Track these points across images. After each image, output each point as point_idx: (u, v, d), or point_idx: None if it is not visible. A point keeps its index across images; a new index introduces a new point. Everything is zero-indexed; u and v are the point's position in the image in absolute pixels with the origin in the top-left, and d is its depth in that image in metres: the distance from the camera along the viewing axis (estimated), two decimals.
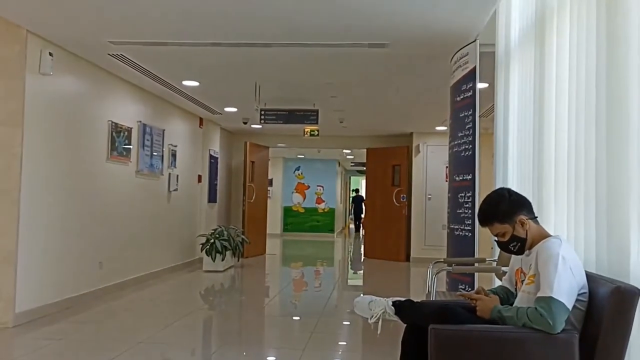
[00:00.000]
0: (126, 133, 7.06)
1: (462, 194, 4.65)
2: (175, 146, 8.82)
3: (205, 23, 4.79)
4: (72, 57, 5.77)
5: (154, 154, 7.96)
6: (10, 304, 4.84)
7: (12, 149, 4.93)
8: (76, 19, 4.77)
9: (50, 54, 5.26)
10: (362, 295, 2.83)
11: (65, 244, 5.73)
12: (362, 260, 12.30)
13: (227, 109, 9.25)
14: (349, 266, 11.98)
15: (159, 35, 5.17)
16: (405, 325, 2.65)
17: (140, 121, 7.48)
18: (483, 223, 2.53)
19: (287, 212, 18.62)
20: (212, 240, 8.91)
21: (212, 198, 10.59)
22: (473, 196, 4.45)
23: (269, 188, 13.32)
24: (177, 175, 8.88)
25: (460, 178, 4.72)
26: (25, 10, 4.58)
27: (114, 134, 6.74)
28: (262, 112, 7.93)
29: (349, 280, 9.84)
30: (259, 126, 10.26)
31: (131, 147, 7.21)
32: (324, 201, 18.82)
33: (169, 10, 4.50)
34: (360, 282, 9.71)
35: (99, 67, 6.33)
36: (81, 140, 6.05)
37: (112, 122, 6.69)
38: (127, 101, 7.16)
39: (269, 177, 13.38)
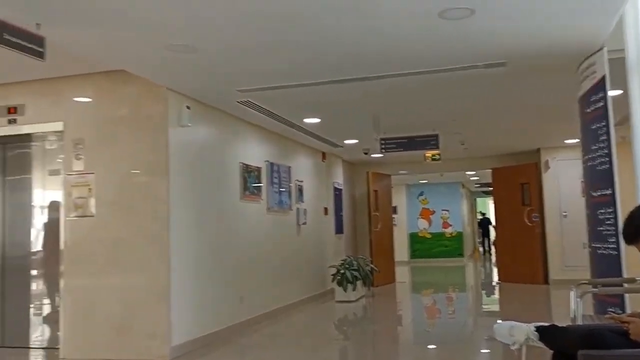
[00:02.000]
0: (256, 173, 7.50)
1: (602, 210, 4.38)
2: (301, 181, 9.18)
3: (324, 64, 5.03)
4: (205, 107, 6.29)
5: (282, 190, 8.35)
6: (167, 339, 5.29)
7: (160, 196, 5.44)
8: (210, 75, 5.25)
9: (188, 107, 5.79)
10: (500, 321, 2.77)
11: (209, 281, 6.16)
12: (495, 284, 11.83)
13: (348, 142, 9.48)
14: (483, 291, 11.56)
15: (282, 79, 5.50)
16: (552, 352, 2.55)
17: (267, 160, 7.91)
18: (629, 241, 2.40)
19: (414, 238, 18.44)
20: (342, 271, 9.07)
21: (338, 229, 10.81)
22: (615, 212, 4.18)
23: (393, 215, 13.33)
24: (305, 209, 9.21)
25: (599, 193, 4.45)
26: (166, 72, 5.10)
27: (245, 174, 7.19)
28: (382, 142, 8.04)
29: (483, 306, 9.51)
30: (380, 155, 10.37)
31: (261, 185, 7.64)
32: (450, 225, 18.41)
33: (290, 58, 4.80)
34: (496, 308, 9.34)
35: (229, 114, 6.84)
36: (217, 182, 6.53)
37: (243, 163, 7.15)
38: (255, 143, 7.62)
39: (393, 205, 13.39)
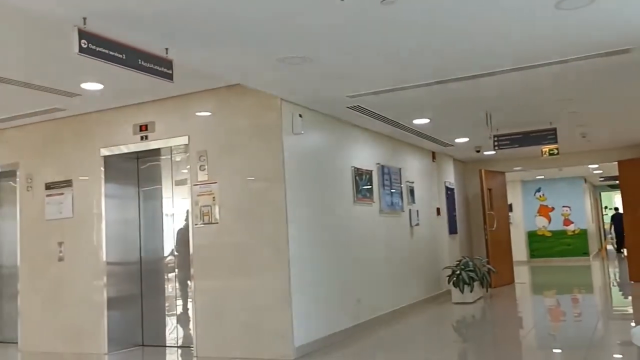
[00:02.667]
0: (367, 176, 7.59)
1: None
2: (412, 182, 9.14)
3: (433, 65, 5.01)
4: (317, 115, 6.48)
5: (393, 191, 8.37)
6: (290, 339, 5.52)
7: (277, 202, 5.69)
8: (321, 83, 5.41)
9: (300, 116, 6.00)
10: (634, 324, 2.62)
11: (328, 283, 6.33)
12: (628, 284, 11.01)
13: (458, 140, 9.31)
14: (614, 292, 10.81)
15: (391, 82, 5.55)
16: None
17: (378, 163, 7.97)
18: None
19: (532, 237, 17.63)
20: (458, 272, 8.91)
21: (452, 229, 10.62)
22: None
23: (509, 214, 12.85)
24: (417, 211, 9.16)
25: None
26: (280, 83, 5.34)
27: (357, 178, 7.30)
28: (496, 138, 7.81)
29: (615, 308, 8.90)
30: (493, 152, 10.08)
31: (373, 188, 7.71)
32: (572, 222, 17.39)
33: (400, 62, 4.84)
34: (630, 310, 8.70)
35: (339, 119, 6.99)
36: (330, 187, 6.69)
37: (355, 167, 7.26)
38: (365, 146, 7.72)
39: (509, 203, 12.91)
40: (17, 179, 7.13)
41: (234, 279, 5.79)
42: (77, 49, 3.29)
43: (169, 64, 4.04)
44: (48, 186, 6.87)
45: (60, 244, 6.74)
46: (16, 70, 5.02)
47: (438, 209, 10.25)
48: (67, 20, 3.47)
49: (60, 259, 6.73)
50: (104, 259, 6.44)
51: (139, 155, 6.79)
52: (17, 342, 6.95)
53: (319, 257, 6.22)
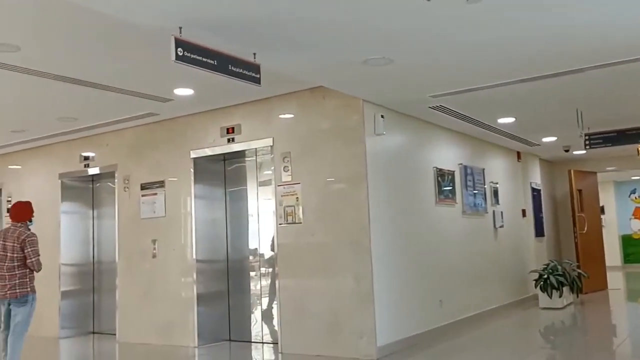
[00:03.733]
0: (450, 176, 7.48)
1: None
2: (496, 183, 8.91)
3: (519, 62, 4.88)
4: (398, 115, 6.47)
5: (476, 192, 8.19)
6: (372, 339, 5.54)
7: (360, 203, 5.73)
8: (403, 84, 5.42)
9: (382, 117, 6.02)
10: None
11: (410, 284, 6.30)
12: None
13: (546, 139, 8.97)
14: None
15: (474, 81, 5.46)
16: None
17: (461, 164, 7.83)
18: None
19: (627, 241, 16.62)
20: (545, 276, 8.58)
21: (539, 232, 10.24)
22: None
23: (601, 216, 12.20)
24: (501, 212, 8.91)
25: None
26: (362, 85, 5.39)
27: (439, 178, 7.21)
28: (587, 137, 7.47)
29: None
30: (583, 152, 9.64)
31: (455, 189, 7.59)
32: None
33: (485, 59, 4.76)
34: None
35: (421, 120, 6.94)
36: (412, 187, 6.66)
37: (437, 167, 7.18)
38: (447, 146, 7.61)
39: (600, 204, 12.26)
40: (115, 180, 7.61)
41: (316, 277, 5.90)
42: (174, 57, 3.49)
43: (256, 68, 4.19)
44: (143, 187, 7.28)
45: (153, 241, 7.12)
46: (114, 79, 5.37)
47: (523, 211, 9.92)
48: (164, 30, 3.68)
49: (154, 256, 7.11)
50: (194, 256, 6.74)
51: (225, 157, 7.06)
52: (115, 334, 7.41)
53: (401, 257, 6.21)
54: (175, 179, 7.02)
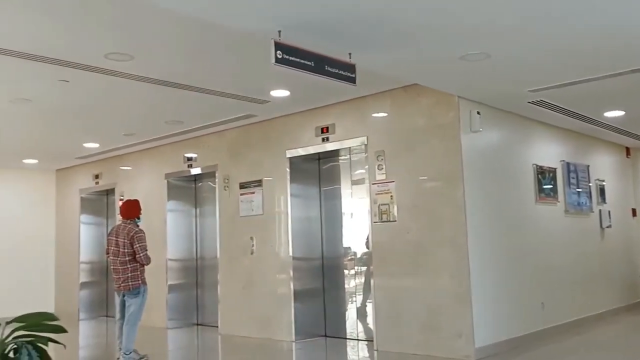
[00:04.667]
0: (551, 174, 7.17)
1: None
2: (603, 181, 8.42)
3: (626, 52, 4.60)
4: (495, 111, 6.30)
5: (580, 190, 7.78)
6: (470, 340, 5.44)
7: (456, 201, 5.64)
8: (500, 79, 5.27)
9: (478, 113, 5.88)
10: None
11: (509, 284, 6.12)
12: None
13: None
14: None
15: (576, 74, 5.20)
16: None
17: (563, 160, 7.48)
18: None
19: None
20: None
21: None
22: None
23: None
24: (609, 211, 8.41)
25: None
26: (457, 81, 5.30)
27: (539, 176, 6.93)
28: None
29: None
30: None
31: (557, 187, 7.26)
32: None
33: (589, 50, 4.53)
34: None
35: (520, 115, 6.70)
36: (510, 185, 6.45)
37: (537, 165, 6.90)
38: (548, 143, 7.30)
39: None
40: (216, 180, 7.98)
41: (412, 276, 5.87)
42: (274, 60, 3.63)
43: (352, 68, 4.25)
44: (242, 186, 7.58)
45: (252, 238, 7.39)
46: (216, 83, 5.64)
47: (634, 210, 9.29)
48: (263, 34, 3.83)
49: (252, 253, 7.37)
50: (290, 254, 6.92)
51: (320, 156, 7.19)
52: (217, 326, 7.77)
53: (499, 256, 6.04)
54: (272, 178, 7.25)
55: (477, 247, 5.65)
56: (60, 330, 3.01)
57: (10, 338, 2.82)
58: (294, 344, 6.72)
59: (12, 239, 10.21)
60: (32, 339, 2.90)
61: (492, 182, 6.13)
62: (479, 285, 5.60)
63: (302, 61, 3.84)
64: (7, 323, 2.84)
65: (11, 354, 2.84)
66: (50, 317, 3.03)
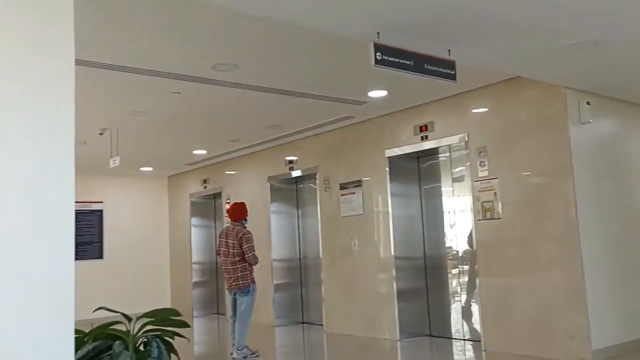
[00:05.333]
0: None
1: None
2: None
3: None
4: (606, 100, 5.96)
5: None
6: (586, 341, 5.18)
7: (565, 196, 5.40)
8: (611, 67, 5.00)
9: (588, 103, 5.60)
10: None
11: (627, 283, 5.76)
12: None
13: None
14: None
15: None
16: None
17: None
18: None
19: None
20: None
21: None
22: None
23: None
24: None
25: None
26: (564, 71, 5.08)
27: None
28: None
29: None
30: None
31: None
32: None
33: None
34: None
35: (634, 103, 6.29)
36: (625, 179, 6.08)
37: None
38: None
39: None
40: (317, 181, 8.16)
41: (519, 274, 5.69)
42: (373, 62, 3.68)
43: (451, 64, 4.21)
44: (342, 186, 7.70)
45: (353, 238, 7.49)
46: (315, 86, 5.79)
47: None
48: (362, 37, 3.89)
49: (354, 252, 7.47)
50: (392, 253, 6.94)
51: (419, 155, 7.14)
52: (322, 324, 7.95)
53: (615, 252, 5.71)
54: (372, 178, 7.30)
55: (589, 243, 5.38)
56: (184, 325, 3.26)
57: (140, 332, 3.09)
58: (398, 343, 6.73)
59: (131, 242, 11.01)
60: (160, 333, 3.16)
61: (604, 175, 5.81)
62: (594, 282, 5.32)
63: (402, 61, 3.87)
64: (138, 318, 3.12)
65: (141, 347, 3.11)
66: (175, 312, 3.28)
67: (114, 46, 4.44)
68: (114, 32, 4.18)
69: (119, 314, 3.12)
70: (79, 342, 2.80)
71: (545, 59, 4.73)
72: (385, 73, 4.02)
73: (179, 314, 3.26)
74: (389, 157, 7.08)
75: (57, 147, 2.24)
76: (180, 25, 4.09)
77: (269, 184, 9.00)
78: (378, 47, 3.72)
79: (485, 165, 6.08)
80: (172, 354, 3.14)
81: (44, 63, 2.24)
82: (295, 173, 8.60)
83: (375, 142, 7.26)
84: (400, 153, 7.00)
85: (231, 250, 6.31)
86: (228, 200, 9.74)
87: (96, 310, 3.43)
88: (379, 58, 3.71)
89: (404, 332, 6.82)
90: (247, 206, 6.71)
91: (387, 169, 7.08)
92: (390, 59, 3.78)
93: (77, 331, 2.46)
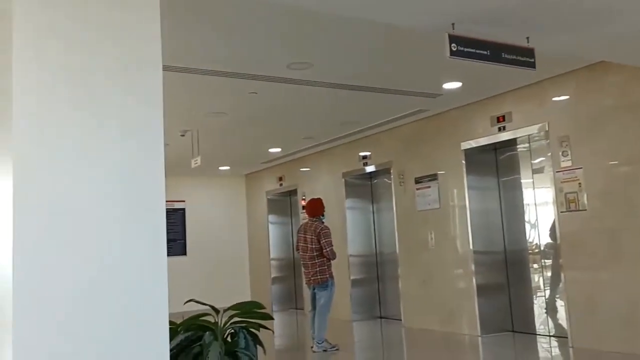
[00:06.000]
0: None
1: None
2: None
3: None
4: None
5: None
6: None
7: None
8: None
9: None
10: None
11: None
12: None
13: None
14: None
15: None
16: None
17: None
18: None
19: None
20: None
21: None
22: None
23: None
24: None
25: None
26: None
27: None
28: None
29: None
30: None
31: None
32: None
33: None
34: None
35: None
36: None
37: None
38: None
39: None
40: (391, 176, 8.14)
41: (608, 268, 5.44)
42: (448, 53, 3.64)
43: (530, 52, 4.08)
44: (417, 180, 7.64)
45: (429, 232, 7.41)
46: (388, 81, 5.78)
47: None
48: (436, 29, 3.86)
49: (431, 247, 7.40)
50: (471, 247, 6.82)
51: (496, 146, 6.97)
52: (400, 319, 7.93)
53: None
54: (447, 171, 7.20)
55: None
56: (268, 317, 3.37)
57: (228, 324, 3.22)
58: (479, 338, 6.61)
59: (212, 239, 11.42)
60: (246, 324, 3.28)
61: None
62: None
63: (478, 51, 3.79)
64: (225, 310, 3.25)
65: (228, 338, 3.25)
66: (259, 305, 3.40)
67: (192, 50, 4.63)
68: (192, 37, 4.35)
69: (206, 307, 3.27)
70: (172, 333, 2.96)
71: (635, 42, 4.48)
72: (459, 64, 3.96)
73: (263, 307, 3.37)
74: (464, 149, 6.96)
75: (148, 149, 2.37)
76: (255, 26, 4.20)
77: (343, 180, 9.07)
78: (453, 39, 3.67)
79: (568, 155, 5.85)
80: (257, 346, 3.26)
81: (134, 73, 2.39)
82: (369, 168, 8.61)
83: (451, 135, 7.15)
84: (476, 145, 6.86)
85: (309, 246, 6.43)
86: (303, 197, 9.89)
87: (187, 302, 3.61)
88: (454, 49, 3.66)
89: (485, 327, 6.69)
90: (323, 202, 6.80)
91: (464, 162, 6.95)
92: (466, 49, 3.72)
93: (169, 322, 2.61)
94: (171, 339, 2.91)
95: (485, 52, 3.84)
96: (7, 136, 2.21)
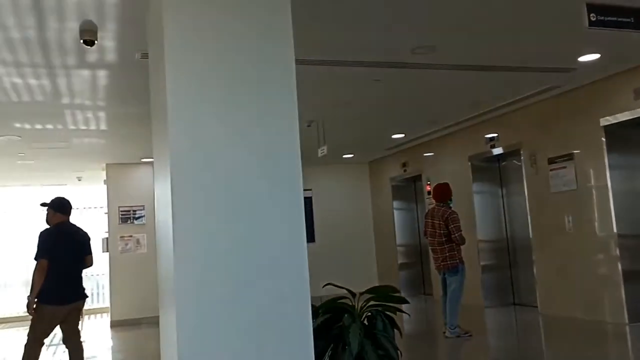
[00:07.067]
0: None
1: None
2: None
3: None
4: None
5: None
6: None
7: None
8: None
9: None
10: None
11: None
12: None
13: None
14: None
15: None
16: None
17: None
18: None
19: None
20: None
21: None
22: None
23: None
24: None
25: None
26: None
27: None
28: None
29: None
30: None
31: None
32: None
33: None
34: None
35: None
36: None
37: None
38: None
39: None
40: (521, 157, 7.79)
41: None
42: (587, 24, 3.43)
43: None
44: (550, 161, 7.24)
45: (566, 215, 7.01)
46: (515, 59, 5.52)
47: None
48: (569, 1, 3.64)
49: (568, 230, 7.00)
50: (615, 230, 6.35)
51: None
52: (535, 306, 7.60)
53: None
54: (584, 150, 6.75)
55: None
56: (403, 301, 3.42)
57: (365, 307, 3.31)
58: (627, 327, 6.16)
59: (338, 226, 11.65)
60: (382, 308, 3.35)
61: None
62: None
63: (620, 19, 3.53)
64: (361, 294, 3.35)
65: (365, 321, 3.34)
66: (394, 289, 3.46)
67: (318, 42, 4.75)
68: (318, 29, 4.47)
69: (342, 291, 3.39)
70: (314, 314, 3.11)
71: None
72: (597, 35, 3.72)
73: (398, 291, 3.42)
74: (604, 126, 6.47)
75: (285, 136, 2.56)
76: (382, 11, 4.21)
77: (469, 163, 8.83)
78: (592, 8, 3.45)
79: None
80: (394, 329, 3.31)
81: (269, 67, 2.56)
82: (497, 151, 8.31)
83: (587, 111, 6.69)
84: (618, 120, 6.35)
85: (437, 231, 6.37)
86: (428, 182, 9.78)
87: (325, 285, 3.76)
88: (593, 19, 3.44)
89: (634, 315, 6.22)
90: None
91: (604, 139, 6.48)
92: (607, 18, 3.48)
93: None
94: (313, 319, 3.07)
95: (628, 20, 3.57)
96: (163, 127, 2.48)
